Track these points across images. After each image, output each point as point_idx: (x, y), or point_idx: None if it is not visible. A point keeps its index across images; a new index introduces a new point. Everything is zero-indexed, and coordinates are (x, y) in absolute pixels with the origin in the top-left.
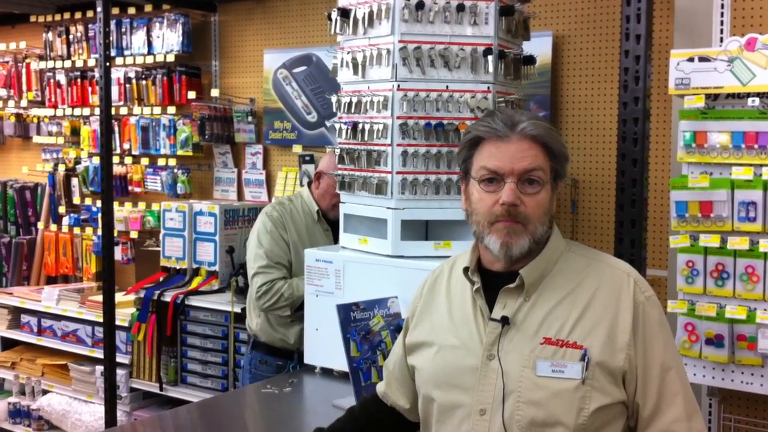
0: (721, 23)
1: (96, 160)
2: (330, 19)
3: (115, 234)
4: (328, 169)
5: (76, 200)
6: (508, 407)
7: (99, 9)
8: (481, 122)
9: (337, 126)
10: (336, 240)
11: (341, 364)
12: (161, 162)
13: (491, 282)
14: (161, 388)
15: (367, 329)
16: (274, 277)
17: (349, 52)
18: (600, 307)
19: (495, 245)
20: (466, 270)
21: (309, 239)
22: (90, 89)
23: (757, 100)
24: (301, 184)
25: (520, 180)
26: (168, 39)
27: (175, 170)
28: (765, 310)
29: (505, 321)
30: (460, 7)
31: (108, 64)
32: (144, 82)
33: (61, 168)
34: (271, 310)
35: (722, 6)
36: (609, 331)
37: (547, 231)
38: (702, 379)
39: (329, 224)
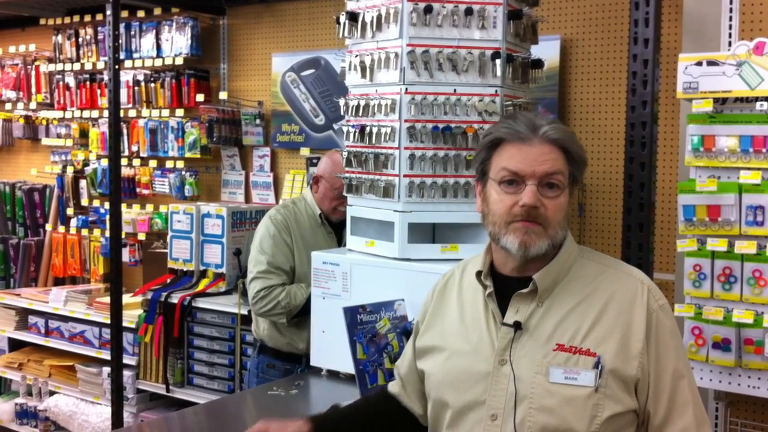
0: (730, 27)
1: (104, 162)
2: (338, 23)
3: (123, 236)
4: (325, 173)
5: (84, 202)
6: (519, 413)
7: (108, 12)
8: (501, 124)
9: (344, 129)
10: (339, 243)
11: (348, 367)
12: (169, 164)
13: (504, 286)
14: (168, 390)
15: (373, 332)
16: (273, 283)
17: (357, 56)
18: (614, 315)
19: (513, 244)
20: (478, 274)
21: (313, 242)
22: (99, 92)
23: (765, 104)
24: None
25: (541, 183)
26: (177, 42)
27: (183, 172)
28: None
29: (517, 326)
30: (469, 11)
31: (117, 66)
32: (153, 84)
33: (70, 170)
34: (266, 316)
35: (731, 10)
36: (622, 338)
37: (562, 235)
38: (709, 383)
39: (332, 227)
